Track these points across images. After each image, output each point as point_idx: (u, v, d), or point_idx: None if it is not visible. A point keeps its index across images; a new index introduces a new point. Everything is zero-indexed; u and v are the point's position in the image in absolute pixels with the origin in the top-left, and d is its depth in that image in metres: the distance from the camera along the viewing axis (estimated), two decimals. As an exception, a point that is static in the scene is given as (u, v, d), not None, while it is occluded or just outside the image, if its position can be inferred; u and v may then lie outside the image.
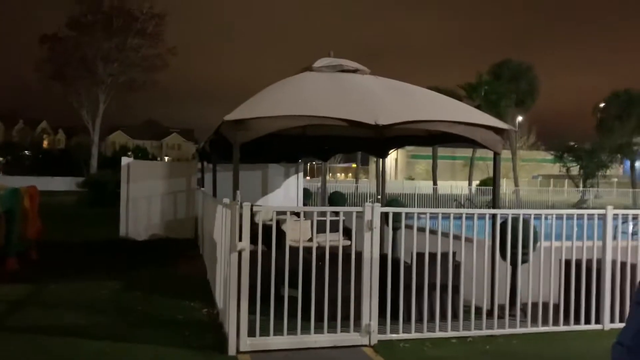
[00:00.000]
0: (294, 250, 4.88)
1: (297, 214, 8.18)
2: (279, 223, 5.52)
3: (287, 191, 13.05)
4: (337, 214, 5.60)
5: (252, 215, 4.82)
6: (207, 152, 9.34)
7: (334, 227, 5.75)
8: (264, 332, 4.76)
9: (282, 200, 12.73)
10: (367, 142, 9.34)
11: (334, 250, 5.01)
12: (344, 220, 5.26)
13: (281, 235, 5.33)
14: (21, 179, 29.46)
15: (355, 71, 6.92)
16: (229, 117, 5.31)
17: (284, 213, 5.74)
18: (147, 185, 12.03)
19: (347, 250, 5.16)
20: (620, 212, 5.76)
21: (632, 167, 44.84)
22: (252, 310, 4.70)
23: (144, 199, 11.97)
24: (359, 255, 5.00)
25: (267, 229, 5.08)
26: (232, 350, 4.69)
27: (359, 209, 5.04)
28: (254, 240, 4.82)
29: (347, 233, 5.60)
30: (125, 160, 12.53)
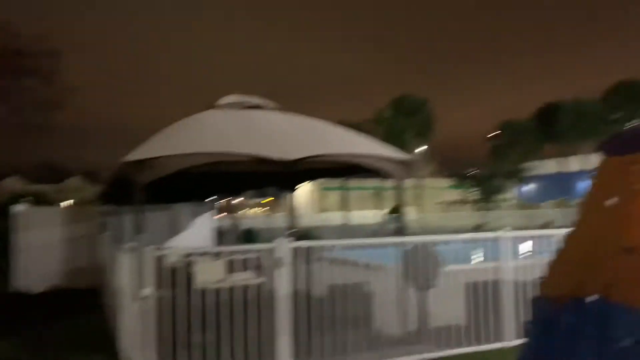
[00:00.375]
0: (205, 293, 4.72)
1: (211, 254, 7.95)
2: (189, 265, 5.34)
3: (197, 232, 12.70)
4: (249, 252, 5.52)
5: (159, 259, 4.63)
6: (110, 194, 8.91)
7: (247, 266, 5.65)
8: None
9: (193, 240, 12.36)
10: (277, 177, 9.36)
11: (246, 290, 4.91)
12: (258, 258, 5.19)
13: (191, 277, 5.15)
14: None
15: (260, 107, 6.96)
16: (129, 157, 5.12)
17: (192, 254, 5.57)
18: (42, 233, 11.22)
19: (260, 288, 5.08)
20: (515, 234, 6.15)
21: (524, 189, 48.53)
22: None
23: (40, 248, 11.13)
24: (272, 293, 4.93)
25: (176, 272, 4.89)
26: (140, 405, 4.40)
27: (270, 245, 5.00)
28: (163, 284, 4.61)
29: (261, 270, 5.52)
30: (18, 208, 11.64)
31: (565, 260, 4.29)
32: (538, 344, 4.22)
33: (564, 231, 5.39)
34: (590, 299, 4.30)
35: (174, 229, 12.31)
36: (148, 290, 4.47)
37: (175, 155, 5.30)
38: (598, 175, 4.44)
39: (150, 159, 5.17)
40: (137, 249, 4.57)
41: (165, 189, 8.15)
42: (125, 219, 9.45)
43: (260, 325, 4.84)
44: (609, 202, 4.07)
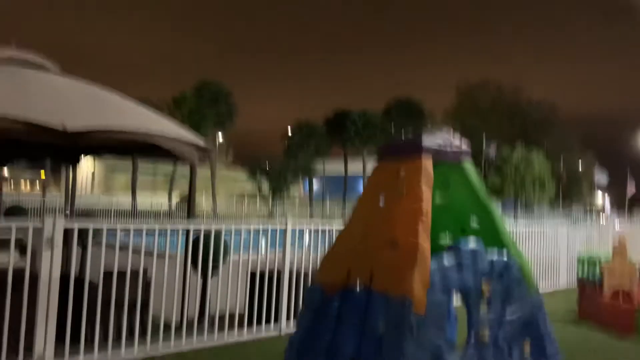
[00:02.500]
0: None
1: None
2: None
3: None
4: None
5: None
6: None
7: (4, 246, 4.93)
8: None
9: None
10: (55, 148, 8.40)
11: (4, 273, 4.29)
12: (21, 238, 4.56)
13: None
14: None
15: (42, 68, 6.18)
16: None
17: None
18: None
19: (20, 271, 4.47)
20: (299, 226, 6.49)
21: (311, 187, 51.94)
22: None
23: None
24: (35, 278, 4.39)
25: None
26: None
27: (38, 224, 4.45)
28: None
29: (23, 250, 4.87)
30: None
31: (338, 252, 4.67)
32: (308, 329, 4.51)
33: (340, 227, 5.86)
34: (356, 287, 4.76)
35: None
36: None
37: None
38: (373, 177, 4.93)
39: None
40: None
41: None
42: None
43: (18, 312, 4.27)
44: (380, 202, 4.55)
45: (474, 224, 4.80)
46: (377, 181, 4.58)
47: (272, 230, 6.26)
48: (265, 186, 42.96)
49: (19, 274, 4.36)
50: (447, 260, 4.06)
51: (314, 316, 4.34)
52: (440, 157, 4.35)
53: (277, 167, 42.29)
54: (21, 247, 4.87)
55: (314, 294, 4.42)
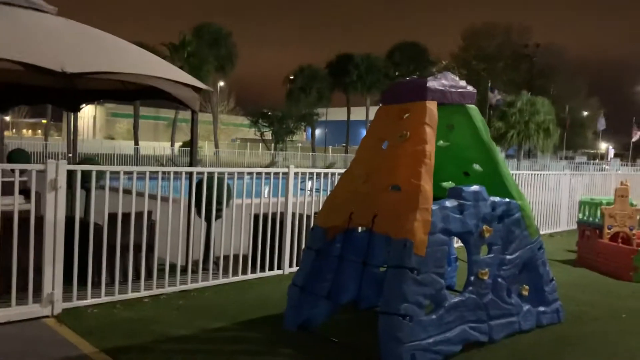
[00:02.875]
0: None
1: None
2: None
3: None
4: (13, 173, 4.83)
5: None
6: None
7: (9, 190, 4.96)
8: None
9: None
10: (56, 93, 8.30)
11: (8, 215, 4.33)
12: (25, 182, 4.58)
13: None
14: None
15: (38, 9, 6.01)
16: None
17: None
18: None
19: (25, 214, 4.52)
20: (301, 170, 6.50)
21: (313, 134, 51.62)
22: None
23: None
24: (41, 220, 4.44)
25: None
26: None
27: (41, 166, 4.46)
28: None
29: (27, 195, 4.90)
30: None
31: (339, 195, 4.68)
32: (309, 270, 4.59)
33: (341, 172, 5.86)
34: (358, 230, 4.80)
35: None
36: None
37: None
38: (376, 119, 4.87)
39: None
40: None
41: None
42: None
43: (26, 255, 4.35)
44: (382, 145, 4.51)
45: (477, 166, 4.78)
46: (381, 124, 4.53)
47: (274, 174, 6.26)
48: (267, 133, 42.69)
49: (25, 216, 4.40)
50: (449, 202, 4.07)
51: (316, 257, 4.41)
52: (445, 99, 4.29)
53: (279, 113, 41.88)
54: (25, 192, 4.91)
55: (316, 236, 4.47)
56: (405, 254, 3.70)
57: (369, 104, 50.00)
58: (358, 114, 51.44)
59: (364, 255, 4.30)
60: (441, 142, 4.71)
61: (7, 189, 4.54)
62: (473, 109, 4.56)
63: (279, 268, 6.31)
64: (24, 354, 3.83)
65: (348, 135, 49.33)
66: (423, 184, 3.83)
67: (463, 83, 4.48)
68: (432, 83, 4.20)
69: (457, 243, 6.01)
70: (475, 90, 4.61)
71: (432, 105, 4.13)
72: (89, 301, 4.78)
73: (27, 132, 66.64)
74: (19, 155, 10.79)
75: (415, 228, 3.71)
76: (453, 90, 4.35)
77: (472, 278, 4.22)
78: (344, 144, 50.56)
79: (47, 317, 4.47)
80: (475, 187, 4.23)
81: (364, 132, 5.85)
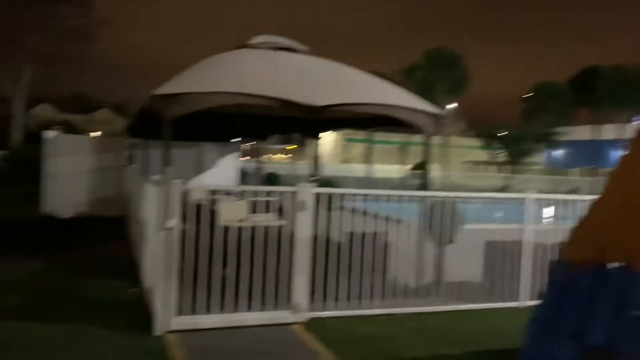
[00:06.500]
0: (228, 230, 4.83)
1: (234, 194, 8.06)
2: (213, 202, 5.44)
3: (222, 171, 12.83)
4: (272, 194, 5.58)
5: (185, 193, 4.72)
6: (138, 127, 9.01)
7: (269, 208, 5.73)
8: (194, 312, 4.70)
9: (217, 179, 12.51)
10: (303, 123, 9.31)
11: (267, 230, 5.00)
12: (280, 200, 5.26)
13: (215, 215, 5.25)
14: None
15: (293, 50, 6.86)
16: (159, 91, 5.13)
17: (217, 192, 5.65)
18: (73, 161, 11.50)
19: (281, 230, 5.16)
20: (539, 196, 6.07)
21: (551, 155, 47.56)
22: (182, 291, 4.62)
23: (69, 176, 11.43)
24: (292, 235, 5.01)
25: (201, 208, 4.99)
26: (159, 330, 4.60)
27: (293, 189, 5.05)
28: (187, 219, 4.73)
29: (282, 213, 5.59)
30: (49, 134, 11.89)
31: (589, 226, 4.21)
32: (553, 305, 4.22)
33: (589, 198, 5.30)
34: (611, 265, 4.26)
35: (200, 167, 12.47)
36: (173, 222, 4.58)
37: (204, 93, 5.29)
38: (633, 143, 4.28)
39: (180, 94, 5.17)
40: (165, 181, 4.65)
41: (192, 126, 8.20)
42: (152, 153, 9.59)
43: (279, 265, 4.95)
44: (643, 171, 3.94)
45: None
46: (638, 148, 3.98)
47: (510, 199, 5.98)
48: (501, 155, 40.74)
49: (278, 232, 5.02)
50: None
51: (560, 292, 4.05)
52: None
53: (514, 134, 39.66)
54: (280, 210, 5.60)
55: (559, 269, 4.11)
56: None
57: (623, 121, 44.11)
58: (605, 132, 45.78)
59: (619, 294, 3.80)
60: None
61: (267, 208, 5.26)
62: None
63: (513, 299, 5.96)
64: (282, 355, 4.33)
65: (596, 156, 44.18)
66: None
67: None
68: None
69: None
70: None
71: None
72: (330, 313, 5.18)
73: (278, 157, 75.61)
74: (272, 178, 12.37)
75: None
76: None
77: None
78: (593, 166, 45.40)
79: (294, 323, 4.99)
80: None
81: (613, 153, 5.19)
